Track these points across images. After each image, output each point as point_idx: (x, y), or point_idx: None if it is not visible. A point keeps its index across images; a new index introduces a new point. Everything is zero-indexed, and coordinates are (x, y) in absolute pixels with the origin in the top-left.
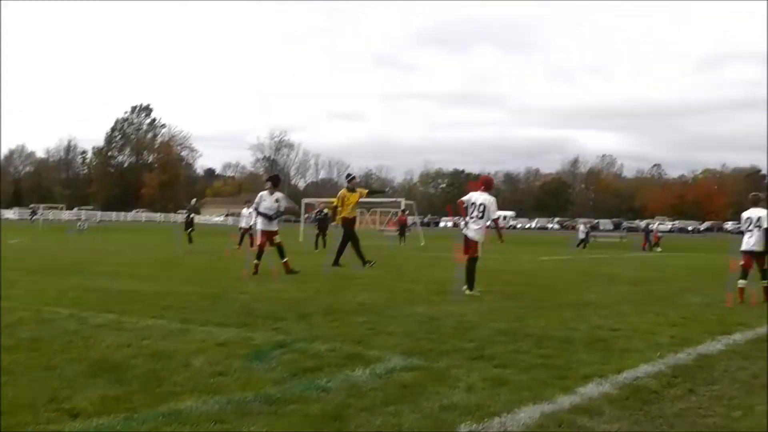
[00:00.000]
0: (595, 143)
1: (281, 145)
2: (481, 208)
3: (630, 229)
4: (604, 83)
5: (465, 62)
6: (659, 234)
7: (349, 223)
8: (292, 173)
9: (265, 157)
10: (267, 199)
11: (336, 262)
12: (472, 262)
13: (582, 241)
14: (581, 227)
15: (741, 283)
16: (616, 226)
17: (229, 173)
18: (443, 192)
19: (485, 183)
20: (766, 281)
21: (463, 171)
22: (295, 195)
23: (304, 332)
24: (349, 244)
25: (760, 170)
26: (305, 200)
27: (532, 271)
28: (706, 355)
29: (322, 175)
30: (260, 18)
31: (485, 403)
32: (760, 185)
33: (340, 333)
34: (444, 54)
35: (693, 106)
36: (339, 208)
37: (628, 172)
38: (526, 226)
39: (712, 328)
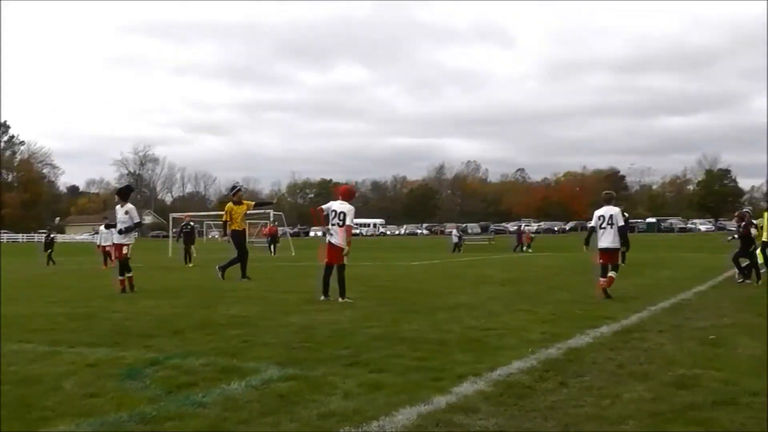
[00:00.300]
0: (459, 150)
1: (146, 159)
2: (342, 216)
3: (497, 232)
4: (465, 93)
5: (326, 73)
6: (531, 235)
7: (240, 236)
8: (158, 188)
9: (129, 172)
10: (118, 212)
11: (243, 275)
12: (341, 269)
13: (456, 245)
14: (453, 232)
15: (602, 280)
16: (484, 229)
17: (94, 190)
18: (311, 202)
19: (343, 193)
20: (613, 273)
21: (330, 180)
22: (162, 210)
23: (178, 348)
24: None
25: (618, 171)
26: (173, 215)
27: (404, 276)
28: (575, 349)
29: (188, 188)
30: (115, 32)
31: (363, 408)
32: (619, 185)
33: (215, 347)
34: (305, 65)
35: (552, 112)
36: (228, 222)
37: (493, 177)
38: (396, 233)
39: (580, 322)
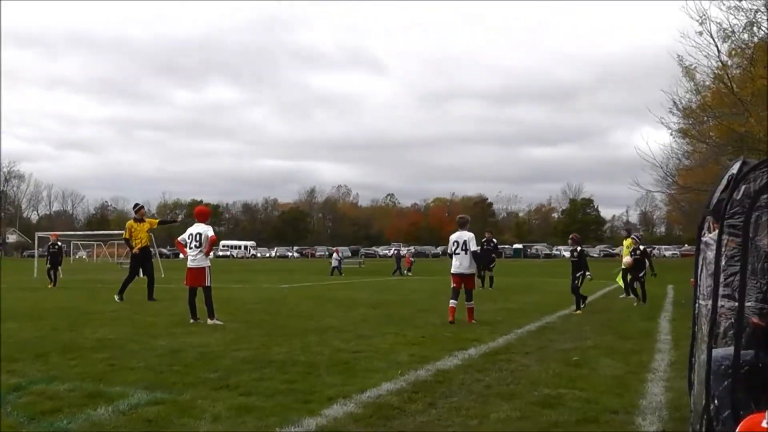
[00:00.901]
0: (331, 174)
1: (11, 176)
2: (198, 237)
3: (368, 255)
4: (337, 117)
5: (198, 93)
6: (411, 259)
7: (142, 254)
8: (24, 205)
9: None
10: None
11: (150, 296)
12: (207, 291)
13: (335, 268)
14: (334, 255)
15: (452, 303)
16: (354, 253)
17: None
18: (182, 223)
19: (199, 215)
20: (469, 303)
21: (201, 201)
22: (27, 228)
23: (41, 373)
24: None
25: (486, 198)
26: (39, 233)
27: (274, 299)
28: (444, 370)
29: (55, 207)
30: None
31: (232, 431)
32: (487, 212)
33: (80, 371)
34: (176, 84)
35: (421, 140)
36: (131, 241)
37: (364, 201)
38: (267, 255)
39: (449, 345)
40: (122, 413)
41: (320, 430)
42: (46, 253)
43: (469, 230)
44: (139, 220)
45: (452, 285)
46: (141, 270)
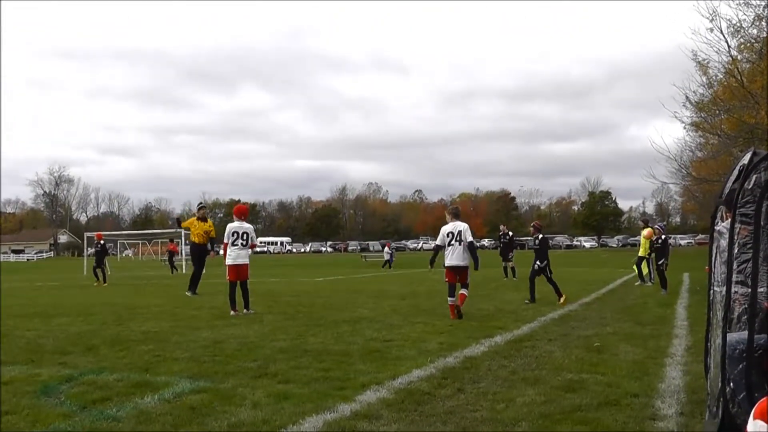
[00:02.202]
0: (360, 172)
1: (61, 180)
2: (245, 236)
3: (397, 249)
4: (364, 119)
5: (231, 99)
6: None
7: (196, 249)
8: (73, 208)
9: (45, 192)
10: None
11: (190, 289)
12: (244, 284)
13: (387, 261)
14: (386, 248)
15: (452, 300)
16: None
17: (9, 210)
18: (221, 221)
19: (240, 213)
20: (465, 290)
21: (239, 200)
22: (77, 229)
23: (92, 364)
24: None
25: (509, 192)
26: (87, 234)
27: (308, 291)
28: (471, 357)
29: (102, 208)
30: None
31: (271, 417)
32: (510, 206)
33: (128, 362)
34: (211, 90)
35: (444, 138)
36: (191, 236)
37: (393, 198)
38: (302, 250)
39: (475, 333)
40: (167, 401)
41: (354, 415)
42: (93, 253)
43: (463, 220)
44: (201, 218)
45: (447, 280)
46: (197, 263)
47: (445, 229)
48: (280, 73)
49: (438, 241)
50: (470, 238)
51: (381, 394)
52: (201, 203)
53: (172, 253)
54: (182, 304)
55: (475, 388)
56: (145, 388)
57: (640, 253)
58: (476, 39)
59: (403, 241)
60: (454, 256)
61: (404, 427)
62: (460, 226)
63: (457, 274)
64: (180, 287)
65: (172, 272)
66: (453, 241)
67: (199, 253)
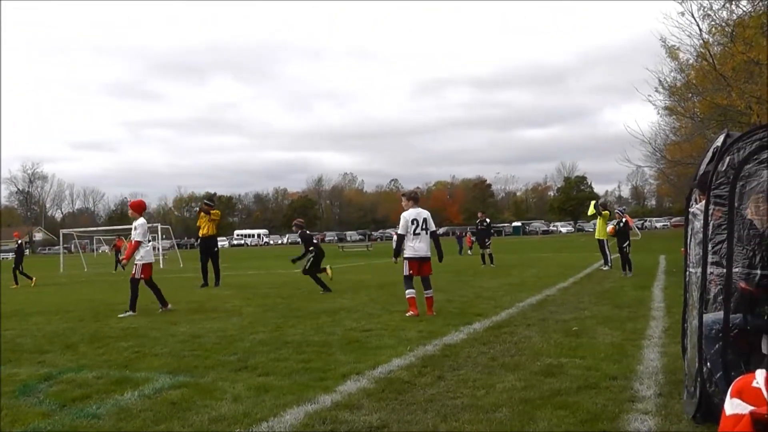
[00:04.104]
0: (336, 163)
1: (34, 177)
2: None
3: (373, 239)
4: (337, 108)
5: (203, 90)
6: (472, 239)
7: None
8: (48, 205)
9: (18, 190)
10: None
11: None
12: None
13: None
14: (394, 237)
15: (411, 293)
16: (363, 237)
17: None
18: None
19: (133, 207)
20: (428, 292)
21: (215, 194)
22: (52, 226)
23: (70, 362)
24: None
25: (485, 180)
26: (63, 231)
27: (287, 283)
28: (450, 345)
29: (78, 205)
30: None
31: (252, 410)
32: (486, 192)
33: (107, 359)
34: (182, 82)
35: (419, 126)
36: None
37: (369, 188)
38: (279, 242)
39: (454, 320)
40: (148, 397)
41: (335, 405)
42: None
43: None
44: (206, 212)
45: (408, 272)
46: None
47: (408, 216)
48: (252, 64)
49: (401, 230)
50: (434, 227)
51: (361, 384)
52: (207, 201)
53: (118, 250)
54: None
55: (455, 376)
56: (125, 384)
57: (599, 236)
58: (448, 27)
59: (390, 230)
60: (420, 246)
61: (385, 416)
62: (424, 213)
63: (422, 265)
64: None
65: (115, 269)
66: (419, 230)
67: (206, 246)
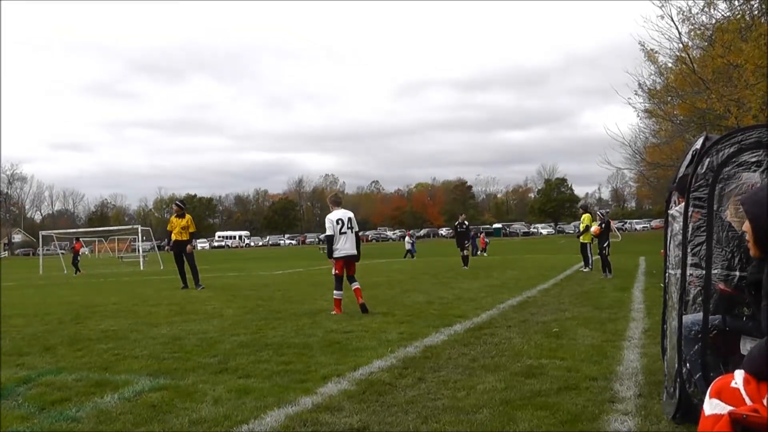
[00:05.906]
0: (317, 164)
1: (13, 178)
2: None
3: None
4: (318, 110)
5: (183, 90)
6: (486, 240)
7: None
8: (27, 206)
9: None
10: None
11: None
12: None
13: (408, 251)
14: (407, 238)
15: (339, 294)
16: None
17: None
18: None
19: None
20: (355, 284)
21: (195, 195)
22: (32, 228)
23: (50, 365)
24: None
25: (465, 182)
26: (42, 232)
27: (267, 284)
28: (431, 346)
29: (57, 206)
30: None
31: (232, 413)
32: (467, 194)
33: (86, 362)
34: (162, 82)
35: (399, 128)
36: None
37: (350, 189)
38: (260, 244)
39: (435, 322)
40: (128, 400)
41: (316, 407)
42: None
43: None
44: (179, 216)
45: (335, 272)
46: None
47: (334, 217)
48: (232, 65)
49: (329, 231)
50: (357, 227)
51: (342, 386)
52: (177, 201)
53: (76, 253)
54: (140, 302)
55: (435, 377)
56: (105, 387)
57: (583, 240)
58: (429, 28)
59: (369, 232)
60: (347, 245)
61: (366, 418)
62: (349, 213)
63: (349, 264)
64: (138, 284)
65: (76, 273)
66: (345, 229)
67: (180, 249)
